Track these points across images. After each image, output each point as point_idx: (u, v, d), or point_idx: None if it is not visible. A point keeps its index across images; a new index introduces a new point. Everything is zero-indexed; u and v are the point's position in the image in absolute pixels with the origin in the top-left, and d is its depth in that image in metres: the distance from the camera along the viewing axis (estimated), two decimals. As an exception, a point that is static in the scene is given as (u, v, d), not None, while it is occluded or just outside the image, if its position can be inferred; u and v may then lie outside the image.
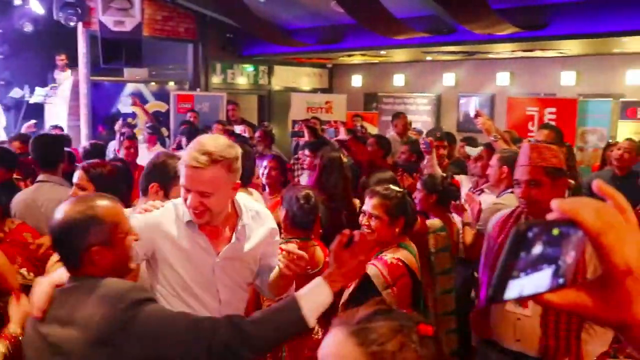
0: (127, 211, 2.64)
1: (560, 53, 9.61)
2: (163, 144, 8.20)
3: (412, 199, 3.40)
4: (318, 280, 1.90)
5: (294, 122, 10.36)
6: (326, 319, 1.59)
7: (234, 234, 2.25)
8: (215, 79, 11.88)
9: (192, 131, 6.60)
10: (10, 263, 2.83)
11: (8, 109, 10.31)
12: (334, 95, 12.41)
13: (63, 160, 4.23)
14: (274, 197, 4.45)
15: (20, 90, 10.24)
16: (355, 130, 7.88)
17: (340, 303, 2.73)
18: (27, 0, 9.40)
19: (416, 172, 5.00)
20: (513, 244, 0.69)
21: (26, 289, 2.17)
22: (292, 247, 2.16)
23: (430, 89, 11.99)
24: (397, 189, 3.00)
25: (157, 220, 2.21)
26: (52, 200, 3.45)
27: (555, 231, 0.71)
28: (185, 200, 2.12)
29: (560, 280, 0.73)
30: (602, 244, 0.71)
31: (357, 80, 13.28)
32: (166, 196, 2.64)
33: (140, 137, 8.13)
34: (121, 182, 3.19)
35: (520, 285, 0.71)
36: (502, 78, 10.94)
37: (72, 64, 10.32)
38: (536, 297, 0.74)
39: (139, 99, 10.70)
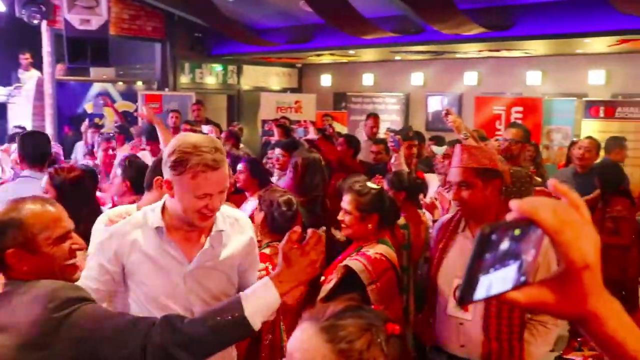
0: (100, 219, 2.59)
1: (526, 53, 9.78)
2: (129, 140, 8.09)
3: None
4: (265, 280, 1.79)
5: (264, 121, 10.36)
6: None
7: (208, 239, 2.11)
8: (184, 79, 11.77)
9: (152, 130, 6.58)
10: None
11: (-30, 109, 10.07)
12: (303, 95, 12.41)
13: (49, 157, 4.28)
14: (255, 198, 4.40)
15: (-17, 90, 10.02)
16: (324, 129, 7.90)
17: (319, 298, 2.72)
18: (-12, -3, 9.21)
19: (385, 171, 5.04)
20: (478, 247, 0.72)
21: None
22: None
23: (399, 89, 12.07)
24: (373, 185, 3.01)
25: (124, 230, 2.09)
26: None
27: (517, 231, 0.73)
28: (201, 207, 1.96)
29: (522, 278, 0.76)
30: (560, 241, 0.74)
31: (326, 80, 13.31)
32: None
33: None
34: (85, 188, 3.19)
35: (489, 283, 0.73)
36: (470, 78, 11.08)
37: (37, 62, 10.13)
38: (501, 296, 0.76)
39: (99, 97, 10.58)
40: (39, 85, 10.09)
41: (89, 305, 1.71)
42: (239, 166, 4.50)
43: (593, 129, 8.05)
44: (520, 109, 8.62)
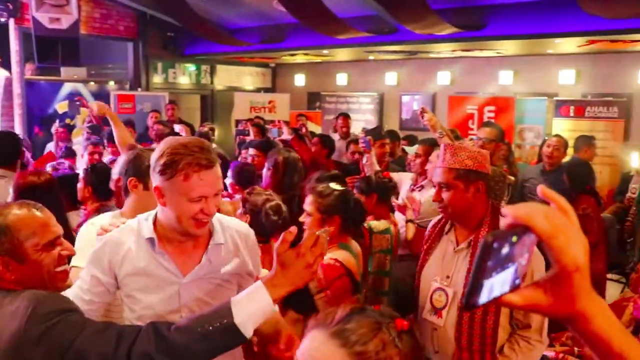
0: (86, 229, 2.41)
1: (498, 53, 9.88)
2: (103, 144, 7.98)
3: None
4: (258, 284, 1.66)
5: (237, 121, 10.31)
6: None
7: (205, 255, 1.96)
8: (157, 79, 11.66)
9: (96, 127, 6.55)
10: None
11: None
12: (277, 95, 12.39)
13: (20, 157, 4.30)
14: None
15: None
16: (299, 129, 7.90)
17: None
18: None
19: (358, 171, 5.04)
20: (482, 255, 0.77)
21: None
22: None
23: (373, 88, 12.12)
24: (336, 187, 2.88)
25: (118, 241, 1.96)
26: (3, 196, 3.53)
27: (514, 238, 0.79)
28: (196, 212, 1.83)
29: (517, 281, 0.81)
30: (554, 246, 0.79)
31: (300, 80, 13.30)
32: (146, 189, 2.42)
33: (79, 138, 7.92)
34: (53, 192, 3.16)
35: (490, 287, 0.78)
36: (443, 77, 11.16)
37: (5, 62, 9.95)
38: (499, 299, 0.81)
39: (75, 98, 10.41)
40: (7, 85, 9.91)
41: (72, 317, 1.63)
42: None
43: (564, 127, 8.18)
44: (492, 108, 8.71)
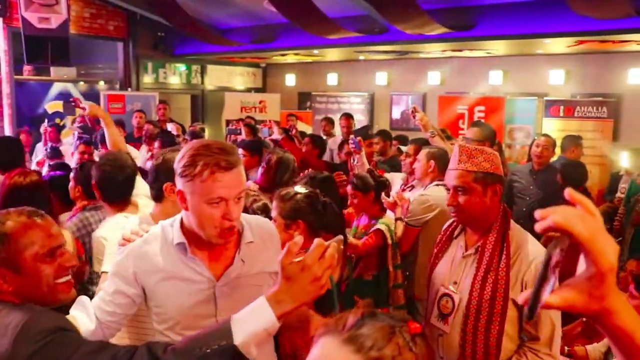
0: (117, 234, 2.19)
1: (488, 53, 9.92)
2: (95, 145, 7.95)
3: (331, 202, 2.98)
4: (261, 300, 1.51)
5: (228, 121, 10.30)
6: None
7: (238, 255, 1.90)
8: (147, 79, 11.63)
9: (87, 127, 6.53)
10: None
11: None
12: (267, 95, 12.40)
13: (22, 162, 4.30)
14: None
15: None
16: (289, 129, 7.91)
17: None
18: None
19: (347, 170, 5.05)
20: (544, 271, 0.84)
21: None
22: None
23: (364, 88, 12.13)
24: (302, 190, 2.71)
25: (142, 251, 1.89)
26: None
27: (561, 245, 0.85)
28: (219, 218, 1.76)
29: (556, 283, 0.88)
30: (593, 250, 0.84)
31: (290, 80, 13.29)
32: None
33: (68, 138, 7.88)
34: (41, 193, 3.08)
35: (546, 293, 0.86)
36: (433, 77, 11.18)
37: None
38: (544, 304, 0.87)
39: (70, 99, 10.33)
40: (-3, 85, 9.85)
41: (66, 336, 1.54)
42: None
43: (554, 127, 8.24)
44: (483, 108, 8.76)
